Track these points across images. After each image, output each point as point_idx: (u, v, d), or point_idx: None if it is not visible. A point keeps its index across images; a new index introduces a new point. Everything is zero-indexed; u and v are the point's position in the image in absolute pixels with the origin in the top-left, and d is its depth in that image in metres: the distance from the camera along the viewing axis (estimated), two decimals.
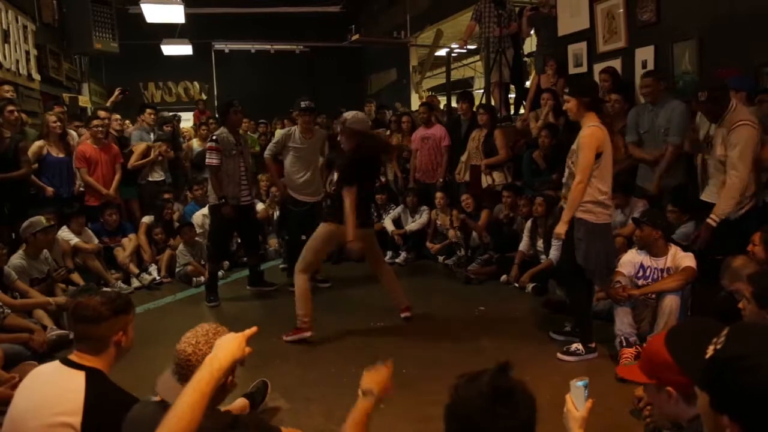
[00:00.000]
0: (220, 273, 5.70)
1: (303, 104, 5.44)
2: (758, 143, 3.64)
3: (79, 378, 1.94)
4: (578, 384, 1.74)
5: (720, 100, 3.70)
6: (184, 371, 1.80)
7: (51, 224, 4.89)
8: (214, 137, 5.11)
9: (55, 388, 1.94)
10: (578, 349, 3.73)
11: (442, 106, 9.09)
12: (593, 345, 3.75)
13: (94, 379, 1.95)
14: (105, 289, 2.48)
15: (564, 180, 3.82)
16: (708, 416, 1.09)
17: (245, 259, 6.02)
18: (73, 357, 2.02)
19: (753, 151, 3.60)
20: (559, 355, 3.75)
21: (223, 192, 5.05)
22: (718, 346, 1.07)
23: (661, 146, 4.60)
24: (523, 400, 1.26)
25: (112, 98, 7.41)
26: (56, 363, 2.04)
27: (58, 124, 5.87)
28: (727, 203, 3.62)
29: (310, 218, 5.32)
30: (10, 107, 5.63)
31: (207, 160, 5.04)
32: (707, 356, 1.08)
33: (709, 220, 3.66)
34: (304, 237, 4.85)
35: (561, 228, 3.65)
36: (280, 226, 6.81)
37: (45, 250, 4.88)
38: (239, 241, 6.25)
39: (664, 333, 1.59)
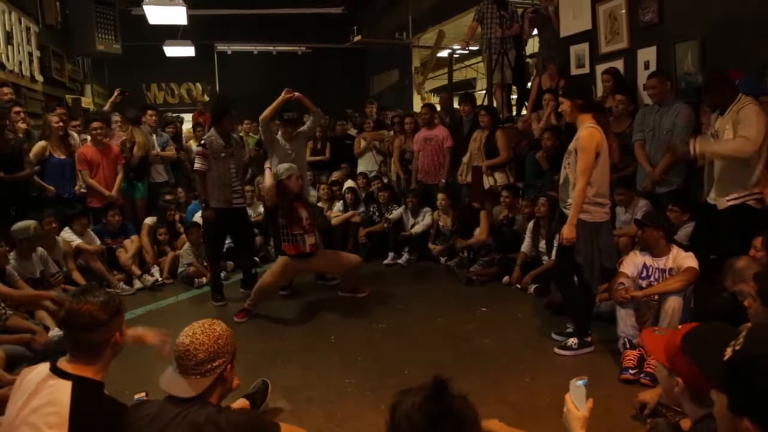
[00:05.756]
0: (222, 274, 5.70)
1: (285, 116, 5.53)
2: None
3: (65, 389, 1.84)
4: (578, 383, 1.73)
5: (718, 85, 3.76)
6: (185, 362, 1.89)
7: (38, 233, 4.82)
8: (202, 141, 5.18)
9: (41, 400, 1.84)
10: (573, 344, 3.76)
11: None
12: (589, 339, 3.78)
13: (80, 390, 1.85)
14: (89, 285, 2.35)
15: (561, 182, 3.81)
16: (725, 419, 1.07)
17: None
18: (64, 364, 1.91)
19: (765, 125, 3.57)
20: (555, 349, 3.81)
21: (207, 197, 5.09)
22: (737, 348, 1.06)
23: (662, 147, 4.59)
24: (459, 419, 1.25)
25: (111, 99, 7.42)
26: (45, 369, 1.92)
27: (60, 124, 5.88)
28: (724, 148, 3.64)
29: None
30: (17, 108, 5.65)
31: (194, 165, 5.16)
32: (726, 358, 1.07)
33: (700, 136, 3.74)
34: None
35: (569, 231, 3.60)
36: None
37: (40, 249, 4.89)
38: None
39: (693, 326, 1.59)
